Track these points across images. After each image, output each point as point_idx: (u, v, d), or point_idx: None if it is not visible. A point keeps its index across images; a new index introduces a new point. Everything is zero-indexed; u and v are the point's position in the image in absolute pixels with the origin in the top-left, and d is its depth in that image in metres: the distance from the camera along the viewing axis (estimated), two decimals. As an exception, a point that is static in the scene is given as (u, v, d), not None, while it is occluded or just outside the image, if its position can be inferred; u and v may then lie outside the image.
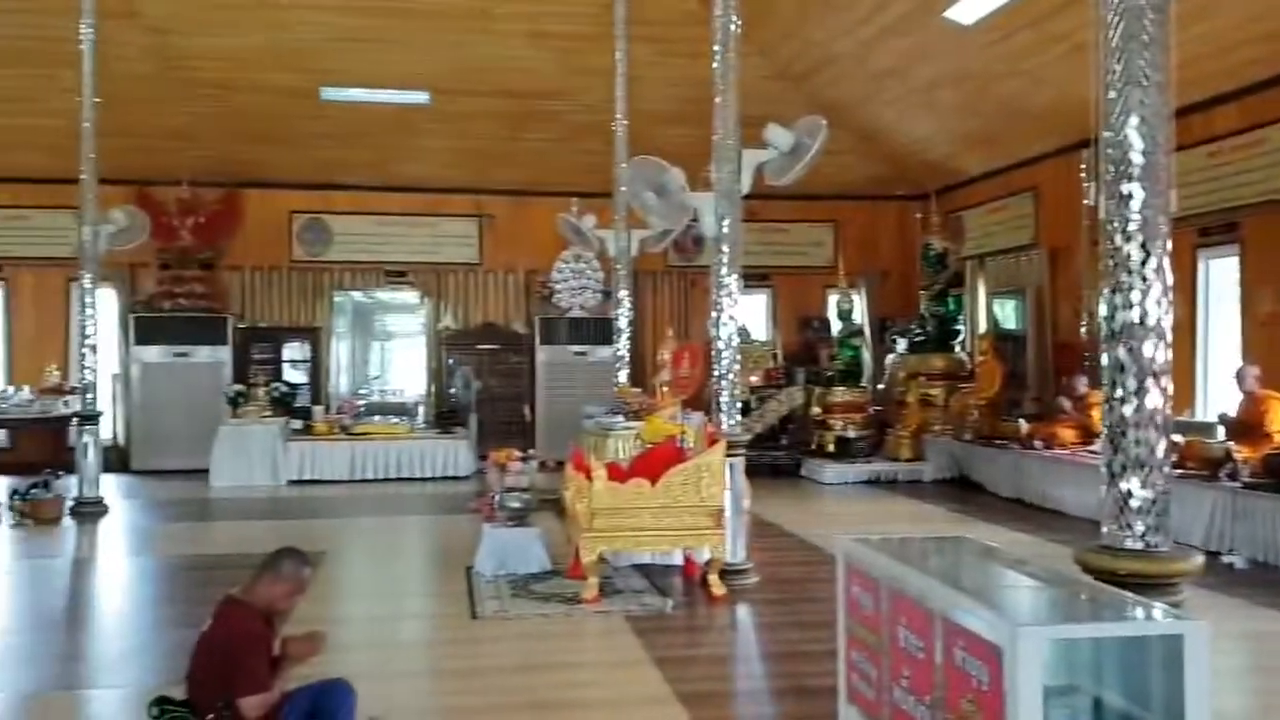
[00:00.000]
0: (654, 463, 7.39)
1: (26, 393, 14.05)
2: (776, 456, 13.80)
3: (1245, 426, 8.98)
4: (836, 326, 15.06)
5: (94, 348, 11.14)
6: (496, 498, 8.37)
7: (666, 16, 11.45)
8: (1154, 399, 3.73)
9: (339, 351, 15.94)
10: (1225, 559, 8.18)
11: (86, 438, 10.95)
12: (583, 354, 15.25)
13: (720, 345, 7.71)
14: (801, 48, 12.32)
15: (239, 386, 13.85)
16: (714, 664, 6.02)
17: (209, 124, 13.68)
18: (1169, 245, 3.76)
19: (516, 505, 8.14)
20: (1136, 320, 3.72)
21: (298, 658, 4.05)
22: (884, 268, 16.41)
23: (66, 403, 13.50)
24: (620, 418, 9.83)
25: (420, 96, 13.28)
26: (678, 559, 7.82)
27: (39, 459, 12.52)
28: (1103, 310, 3.92)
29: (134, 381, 14.52)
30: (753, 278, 13.11)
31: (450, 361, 15.42)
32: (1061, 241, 12.84)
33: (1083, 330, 11.89)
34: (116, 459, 14.05)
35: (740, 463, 7.62)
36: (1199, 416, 10.30)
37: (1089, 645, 3.05)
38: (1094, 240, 10.30)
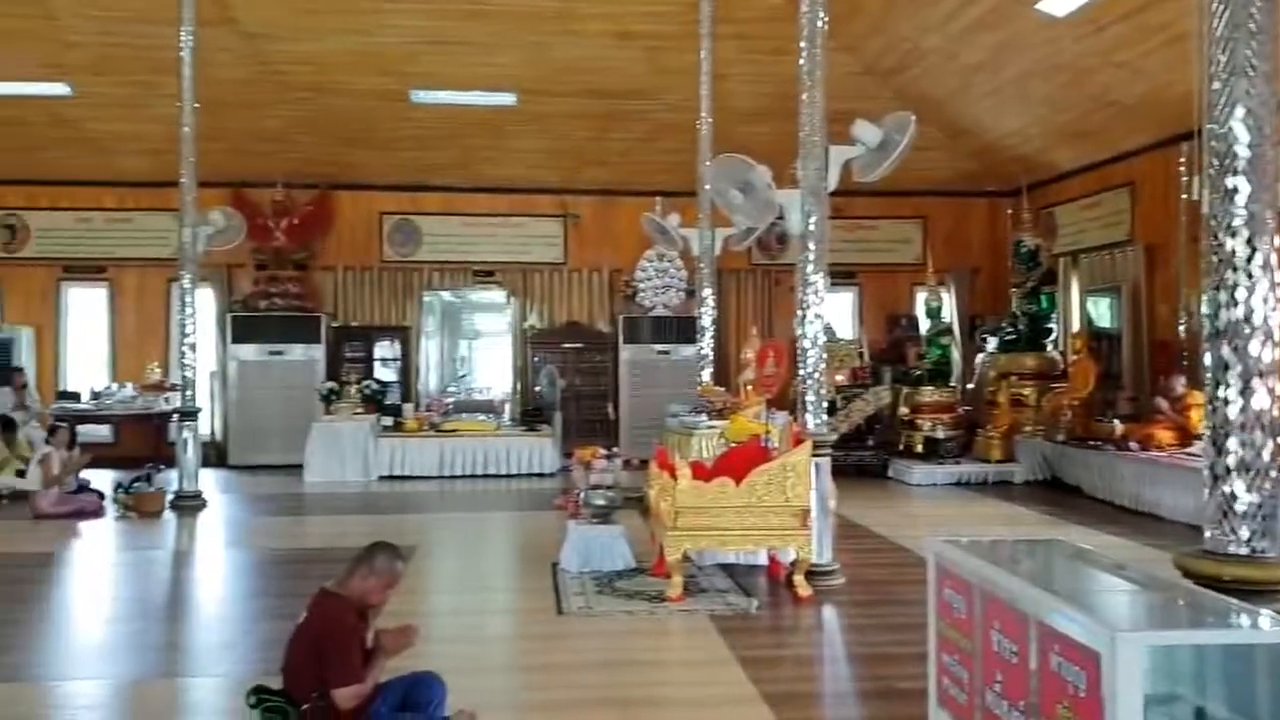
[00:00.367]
0: (738, 462, 7.36)
1: (129, 389, 14.56)
2: (863, 457, 13.65)
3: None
4: (925, 325, 14.85)
5: (193, 346, 11.44)
6: (581, 495, 8.41)
7: (752, 14, 11.40)
8: (1261, 400, 3.61)
9: (428, 350, 16.21)
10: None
11: (186, 433, 11.27)
12: (666, 353, 15.26)
13: (806, 344, 7.65)
14: (889, 43, 12.17)
15: (332, 384, 14.18)
16: (800, 665, 5.97)
17: (302, 127, 14.02)
18: (1276, 240, 3.64)
19: (601, 503, 8.17)
20: (1242, 318, 3.60)
21: (390, 650, 4.11)
22: (974, 265, 16.15)
23: (167, 399, 13.96)
24: (704, 416, 9.82)
25: (507, 98, 13.42)
26: (762, 559, 7.78)
27: (140, 453, 13.00)
28: (1205, 308, 3.80)
29: (231, 379, 14.94)
30: (839, 275, 13.02)
31: (535, 360, 15.56)
32: (1159, 237, 12.49)
33: (1181, 328, 11.56)
34: (214, 454, 14.48)
35: (826, 463, 7.55)
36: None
37: (1190, 653, 2.95)
38: (1193, 236, 10.08)
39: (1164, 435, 11.04)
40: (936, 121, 13.18)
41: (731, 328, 15.23)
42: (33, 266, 15.40)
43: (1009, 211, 15.28)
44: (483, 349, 17.40)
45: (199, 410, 11.60)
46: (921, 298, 15.20)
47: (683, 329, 14.47)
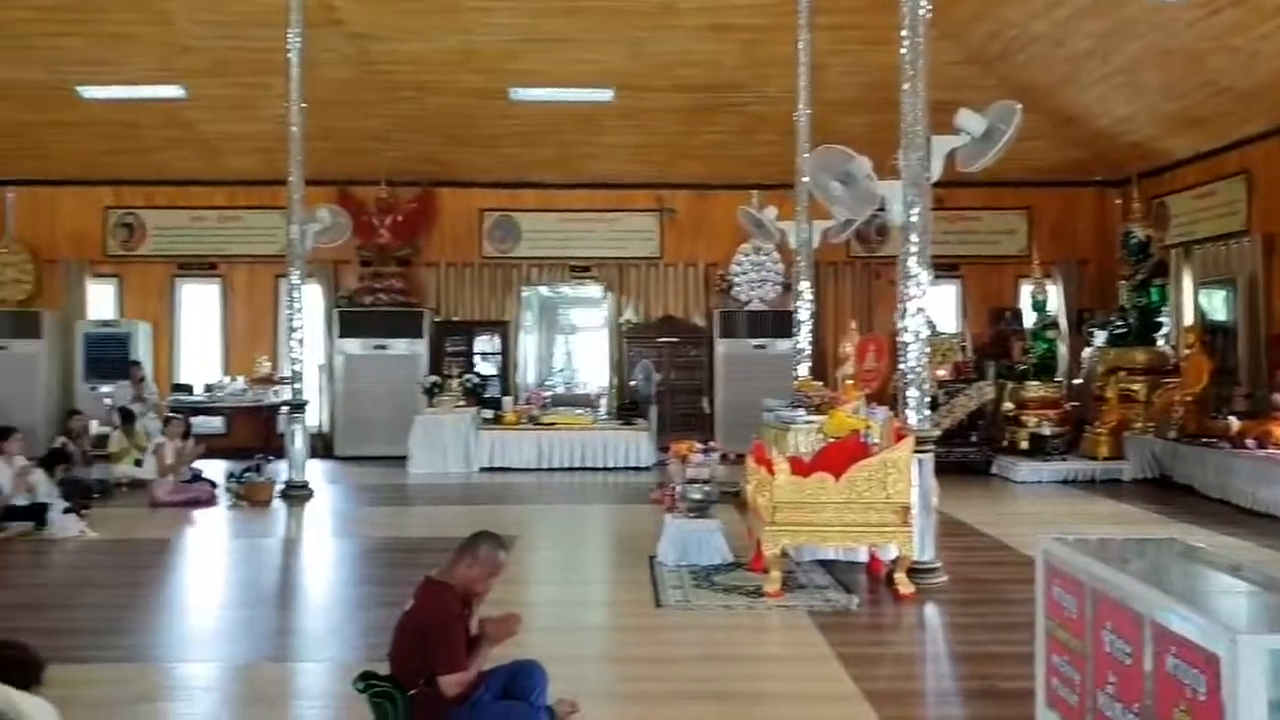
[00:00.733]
0: (837, 457, 7.29)
1: (240, 382, 15.01)
2: (966, 453, 13.37)
3: None
4: (1030, 318, 14.46)
5: (301, 340, 11.76)
6: (678, 489, 8.41)
7: (850, 4, 11.24)
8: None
9: (526, 344, 16.39)
10: None
11: (294, 425, 11.61)
12: (762, 347, 15.16)
13: (907, 338, 7.54)
14: (994, 30, 11.89)
15: (434, 378, 14.46)
16: (901, 663, 5.90)
17: (405, 126, 14.28)
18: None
19: (698, 497, 8.16)
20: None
21: (494, 638, 4.18)
22: (1081, 256, 15.74)
23: (276, 392, 14.36)
24: (801, 411, 9.74)
25: (604, 94, 13.49)
26: (862, 555, 7.67)
27: (251, 444, 13.39)
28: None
29: (337, 372, 15.33)
30: (941, 267, 12.79)
31: (631, 354, 15.62)
32: (1277, 227, 12.01)
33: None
34: (321, 445, 14.89)
35: (929, 459, 7.44)
36: None
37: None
38: (1317, 225, 9.67)
39: (1283, 432, 10.62)
40: (1043, 109, 12.84)
41: (829, 322, 15.08)
42: (149, 263, 16.01)
43: (1118, 201, 14.82)
44: (580, 343, 17.54)
45: (307, 403, 11.93)
46: (1027, 290, 14.86)
47: (779, 323, 14.38)
